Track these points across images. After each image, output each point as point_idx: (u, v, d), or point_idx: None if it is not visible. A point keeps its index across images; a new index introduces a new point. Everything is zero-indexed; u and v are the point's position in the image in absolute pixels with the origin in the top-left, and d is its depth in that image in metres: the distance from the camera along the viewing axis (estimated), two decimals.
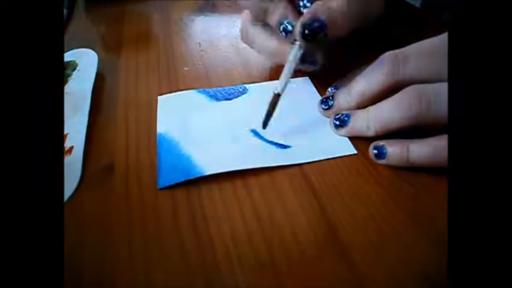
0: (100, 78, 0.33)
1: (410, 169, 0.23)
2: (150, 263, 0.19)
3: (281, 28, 0.27)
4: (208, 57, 0.36)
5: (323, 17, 0.25)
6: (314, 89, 0.31)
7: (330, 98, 0.27)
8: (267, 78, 0.32)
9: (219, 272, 0.19)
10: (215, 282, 0.18)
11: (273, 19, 0.28)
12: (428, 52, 0.23)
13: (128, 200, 0.22)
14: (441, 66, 0.22)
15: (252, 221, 0.21)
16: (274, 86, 0.31)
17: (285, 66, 0.26)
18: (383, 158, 0.23)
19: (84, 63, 0.35)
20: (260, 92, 0.31)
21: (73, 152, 0.26)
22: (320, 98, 0.28)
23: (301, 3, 0.28)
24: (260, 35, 0.30)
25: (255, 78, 0.32)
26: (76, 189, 0.23)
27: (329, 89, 0.29)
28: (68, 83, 0.33)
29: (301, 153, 0.25)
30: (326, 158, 0.24)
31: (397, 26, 0.38)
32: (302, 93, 0.30)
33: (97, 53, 0.35)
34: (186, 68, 0.34)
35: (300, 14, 0.27)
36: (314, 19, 0.25)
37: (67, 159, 0.25)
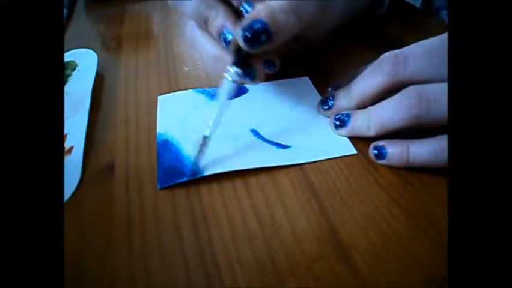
0: (100, 78, 0.33)
1: (410, 169, 0.23)
2: (150, 263, 0.19)
3: (221, 38, 0.26)
4: (208, 57, 0.36)
5: (264, 18, 0.23)
6: (314, 89, 0.31)
7: (330, 98, 0.27)
8: (267, 78, 0.32)
9: (219, 272, 0.19)
10: (215, 282, 0.18)
11: (213, 28, 0.27)
12: (428, 52, 0.23)
13: (128, 200, 0.22)
14: (441, 66, 0.22)
15: (252, 221, 0.21)
16: (274, 85, 0.31)
17: (219, 104, 0.24)
18: (383, 158, 0.23)
19: (84, 63, 0.35)
20: (260, 92, 0.31)
21: (72, 152, 0.26)
22: (320, 98, 0.28)
23: (243, 9, 0.26)
24: (206, 43, 0.29)
25: None
26: (76, 189, 0.23)
27: (329, 89, 0.29)
28: (68, 83, 0.33)
29: (301, 153, 0.25)
30: (326, 158, 0.24)
31: (397, 26, 0.38)
32: (302, 93, 0.30)
33: (96, 53, 0.35)
34: (186, 68, 0.34)
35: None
36: (255, 20, 0.23)
37: (67, 159, 0.25)
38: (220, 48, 0.28)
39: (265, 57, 0.27)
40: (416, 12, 0.43)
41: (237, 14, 0.26)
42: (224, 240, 0.20)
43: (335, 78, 0.30)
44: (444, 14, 0.44)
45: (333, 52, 0.35)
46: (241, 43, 0.23)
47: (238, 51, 0.25)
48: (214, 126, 0.24)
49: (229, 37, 0.26)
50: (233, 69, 0.24)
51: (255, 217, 0.21)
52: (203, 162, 0.24)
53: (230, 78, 0.24)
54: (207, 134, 0.24)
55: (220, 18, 0.26)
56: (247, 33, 0.23)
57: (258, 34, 0.23)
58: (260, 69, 0.26)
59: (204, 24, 0.27)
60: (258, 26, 0.23)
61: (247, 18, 0.24)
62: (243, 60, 0.25)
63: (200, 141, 0.24)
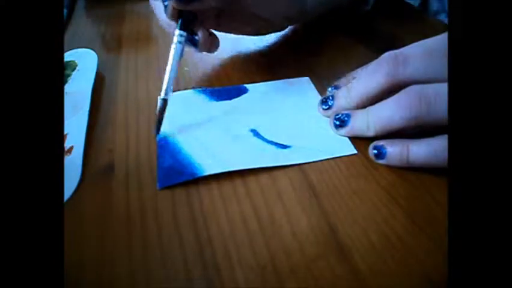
0: (100, 78, 0.33)
1: (410, 169, 0.23)
2: (150, 263, 0.19)
3: (162, 0, 0.28)
4: (208, 57, 0.36)
5: None
6: (314, 89, 0.31)
7: (330, 98, 0.27)
8: (267, 78, 0.32)
9: (219, 272, 0.19)
10: (215, 282, 0.18)
11: None
12: (428, 52, 0.23)
13: (128, 200, 0.22)
14: (441, 66, 0.22)
15: (252, 221, 0.21)
16: (274, 85, 0.31)
17: (167, 66, 0.26)
18: (383, 158, 0.23)
19: (84, 63, 0.35)
20: (260, 92, 0.31)
21: (72, 152, 0.26)
22: (320, 98, 0.28)
23: None
24: (158, 7, 0.31)
25: (255, 78, 0.32)
26: (76, 189, 0.23)
27: (329, 89, 0.29)
28: (68, 83, 0.33)
29: (301, 153, 0.25)
30: (326, 158, 0.24)
31: (396, 26, 0.38)
32: (302, 93, 0.30)
33: (96, 53, 0.35)
34: (186, 68, 0.34)
35: None
36: None
37: (67, 159, 0.25)
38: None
39: (207, 25, 0.29)
40: (415, 13, 0.43)
41: None
42: (224, 240, 0.20)
43: (335, 78, 0.30)
44: (442, 16, 0.44)
45: (333, 52, 0.35)
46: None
47: (180, 15, 0.27)
48: (167, 86, 0.26)
49: (166, 2, 0.27)
50: (177, 32, 0.27)
51: (255, 217, 0.21)
52: (203, 162, 0.24)
53: (175, 40, 0.27)
54: (162, 96, 0.26)
55: None
56: None
57: None
58: (204, 36, 0.29)
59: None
60: None
61: None
62: (186, 24, 0.27)
63: (158, 105, 0.26)
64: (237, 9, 0.30)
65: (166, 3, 0.27)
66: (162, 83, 0.26)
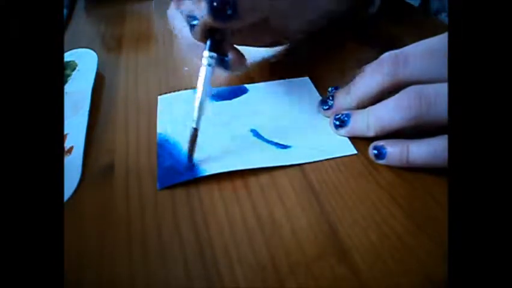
0: (100, 78, 0.33)
1: (410, 169, 0.23)
2: (150, 263, 0.19)
3: (188, 23, 0.26)
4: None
5: None
6: (314, 89, 0.31)
7: (330, 98, 0.27)
8: (267, 78, 0.32)
9: (219, 272, 0.19)
10: (215, 282, 0.18)
11: (183, 12, 0.26)
12: (428, 52, 0.23)
13: (128, 200, 0.22)
14: (441, 66, 0.22)
15: (252, 221, 0.21)
16: (274, 86, 0.31)
17: (197, 92, 0.24)
18: (383, 158, 0.23)
19: (84, 63, 0.35)
20: (260, 92, 0.31)
21: (72, 152, 0.26)
22: (320, 98, 0.28)
23: None
24: (179, 21, 0.29)
25: (255, 78, 0.32)
26: (76, 189, 0.23)
27: (329, 89, 0.29)
28: (68, 83, 0.33)
29: (301, 153, 0.25)
30: (326, 158, 0.24)
31: (396, 26, 0.38)
32: (302, 93, 0.30)
33: (96, 53, 0.35)
34: (186, 68, 0.34)
35: None
36: None
37: (67, 159, 0.25)
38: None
39: (236, 41, 0.27)
40: (416, 12, 0.43)
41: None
42: (224, 240, 0.20)
43: (335, 78, 0.30)
44: (443, 16, 0.44)
45: (333, 52, 0.35)
46: (207, 15, 0.23)
47: (210, 35, 0.25)
48: (199, 115, 0.24)
49: (194, 22, 0.25)
50: (207, 54, 0.24)
51: (255, 217, 0.21)
52: (203, 162, 0.24)
53: (205, 63, 0.24)
54: (193, 125, 0.24)
55: (189, 3, 0.26)
56: (214, 3, 0.22)
57: (224, 4, 0.23)
58: (235, 56, 0.26)
59: (179, 7, 0.28)
60: None
61: None
62: (216, 45, 0.25)
63: (189, 134, 0.24)
64: (267, 23, 0.27)
65: (194, 22, 0.25)
66: (194, 111, 0.24)
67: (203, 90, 0.24)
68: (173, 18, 0.29)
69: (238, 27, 0.25)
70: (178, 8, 0.28)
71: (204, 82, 0.24)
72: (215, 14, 0.23)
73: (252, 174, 0.23)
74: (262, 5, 0.25)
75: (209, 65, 0.24)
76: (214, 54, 0.25)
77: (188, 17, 0.26)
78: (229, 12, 0.23)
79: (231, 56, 0.26)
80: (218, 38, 0.25)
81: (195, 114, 0.24)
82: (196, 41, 0.26)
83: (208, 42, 0.25)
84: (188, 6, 0.26)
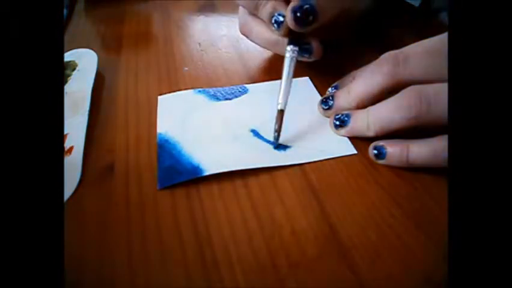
0: (100, 78, 0.33)
1: (410, 169, 0.23)
2: (150, 263, 0.19)
3: (273, 20, 0.28)
4: (208, 57, 0.36)
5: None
6: (314, 89, 0.31)
7: (330, 98, 0.27)
8: (267, 78, 0.32)
9: (219, 272, 0.19)
10: (215, 282, 0.18)
11: (264, 12, 0.28)
12: (428, 52, 0.23)
13: (128, 200, 0.22)
14: (441, 66, 0.22)
15: (252, 221, 0.21)
16: (274, 86, 0.31)
17: (283, 80, 0.26)
18: (383, 158, 0.23)
19: (84, 63, 0.35)
20: (260, 92, 0.31)
21: (73, 152, 0.26)
22: (320, 98, 0.28)
23: None
24: (257, 26, 0.31)
25: (255, 78, 0.32)
26: (76, 189, 0.23)
27: (329, 89, 0.29)
28: (68, 83, 0.33)
29: (301, 153, 0.25)
30: (326, 158, 0.24)
31: (396, 26, 0.38)
32: (302, 93, 0.30)
33: (96, 53, 0.35)
34: (186, 68, 0.34)
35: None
36: (303, 1, 0.26)
37: (67, 159, 0.25)
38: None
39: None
40: (416, 12, 0.43)
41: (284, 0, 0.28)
42: (224, 240, 0.20)
43: (335, 78, 0.30)
44: (443, 15, 0.44)
45: (333, 52, 0.35)
46: (291, 23, 0.26)
47: (289, 32, 0.28)
48: (284, 98, 0.26)
49: (280, 18, 0.27)
50: (290, 48, 0.27)
51: (255, 217, 0.21)
52: (203, 162, 0.24)
53: (288, 55, 0.27)
54: (279, 107, 0.26)
55: (271, 3, 0.28)
56: (298, 13, 0.25)
57: (306, 14, 0.26)
58: (316, 44, 0.28)
59: (254, 9, 0.29)
60: (306, 6, 0.26)
61: (296, 1, 0.26)
62: (297, 39, 0.28)
63: (276, 116, 0.25)
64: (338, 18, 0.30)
65: (280, 18, 0.27)
66: (279, 95, 0.26)
67: (288, 75, 0.26)
68: (249, 23, 0.32)
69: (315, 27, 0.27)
70: (253, 9, 0.29)
71: (289, 69, 0.27)
72: (298, 22, 0.26)
73: (252, 174, 0.23)
74: (335, 5, 0.27)
75: (291, 57, 0.27)
76: (296, 48, 0.27)
77: (272, 15, 0.28)
78: (310, 19, 0.26)
79: (314, 45, 0.28)
80: (298, 34, 0.28)
81: (280, 96, 0.26)
82: (279, 36, 0.29)
83: (290, 38, 0.28)
84: (269, 5, 0.28)
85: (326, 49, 0.29)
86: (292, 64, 0.27)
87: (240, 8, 0.32)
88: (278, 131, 0.25)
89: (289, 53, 0.27)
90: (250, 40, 0.33)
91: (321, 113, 0.28)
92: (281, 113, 0.25)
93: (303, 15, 0.25)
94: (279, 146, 0.25)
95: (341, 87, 0.28)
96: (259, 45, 0.32)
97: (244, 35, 0.33)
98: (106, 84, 0.33)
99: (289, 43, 0.27)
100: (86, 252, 0.20)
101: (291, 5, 0.26)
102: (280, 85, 0.26)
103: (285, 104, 0.26)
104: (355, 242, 0.19)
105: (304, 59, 0.29)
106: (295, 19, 0.26)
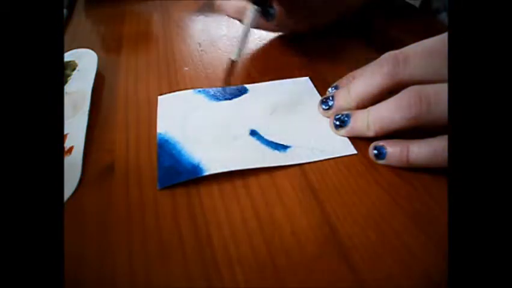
0: (100, 78, 0.33)
1: (410, 169, 0.23)
2: (150, 263, 0.19)
3: None
4: (208, 57, 0.36)
5: None
6: (314, 89, 0.31)
7: (330, 98, 0.27)
8: (267, 78, 0.32)
9: (219, 272, 0.19)
10: (215, 282, 0.18)
11: None
12: (428, 52, 0.23)
13: (128, 200, 0.22)
14: (441, 66, 0.22)
15: (252, 221, 0.21)
16: (274, 86, 0.31)
17: (241, 31, 0.28)
18: (383, 158, 0.23)
19: (84, 63, 0.35)
20: (260, 92, 0.31)
21: (72, 152, 0.26)
22: (320, 98, 0.28)
23: None
24: None
25: (255, 78, 0.32)
26: (76, 189, 0.23)
27: (329, 89, 0.29)
28: (68, 83, 0.33)
29: (301, 153, 0.25)
30: (326, 158, 0.24)
31: (396, 26, 0.38)
32: (302, 93, 0.30)
33: (96, 53, 0.35)
34: (186, 68, 0.34)
35: None
36: None
37: (67, 159, 0.25)
38: None
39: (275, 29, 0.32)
40: (416, 12, 0.43)
41: None
42: (224, 240, 0.20)
43: (335, 78, 0.30)
44: (443, 15, 0.44)
45: (333, 52, 0.35)
46: None
47: None
48: (239, 48, 0.28)
49: None
50: (252, 7, 0.29)
51: (254, 217, 0.21)
52: (203, 162, 0.24)
53: (250, 11, 0.29)
54: (233, 57, 0.27)
55: None
56: None
57: None
58: (279, 8, 0.30)
59: None
60: None
61: None
62: (262, 0, 0.29)
63: (228, 62, 0.27)
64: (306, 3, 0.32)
65: None
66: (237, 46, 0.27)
67: (244, 29, 0.28)
68: None
69: None
70: None
71: (246, 24, 0.28)
72: None
73: (252, 174, 0.23)
74: (332, 10, 0.29)
75: (253, 12, 0.29)
76: (259, 8, 0.29)
77: None
78: None
79: (276, 8, 0.30)
80: None
81: (236, 48, 0.28)
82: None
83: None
84: None
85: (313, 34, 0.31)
86: (252, 16, 0.28)
87: None
88: (227, 76, 0.27)
89: (252, 9, 0.29)
90: (222, 12, 0.34)
91: (321, 113, 0.28)
92: (233, 63, 0.27)
93: None
94: (278, 145, 0.25)
95: (341, 87, 0.28)
96: (229, 15, 0.34)
97: (218, 10, 0.35)
98: (106, 84, 0.33)
99: (253, 2, 0.29)
100: (86, 252, 0.20)
101: None
102: (238, 38, 0.28)
103: (239, 55, 0.27)
104: (355, 242, 0.19)
105: (267, 24, 0.31)
106: None
